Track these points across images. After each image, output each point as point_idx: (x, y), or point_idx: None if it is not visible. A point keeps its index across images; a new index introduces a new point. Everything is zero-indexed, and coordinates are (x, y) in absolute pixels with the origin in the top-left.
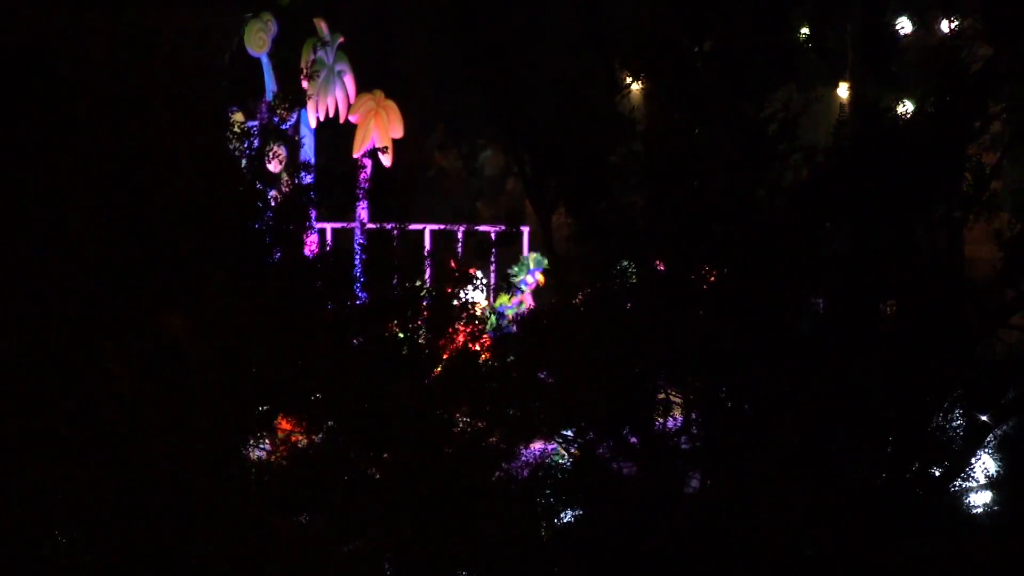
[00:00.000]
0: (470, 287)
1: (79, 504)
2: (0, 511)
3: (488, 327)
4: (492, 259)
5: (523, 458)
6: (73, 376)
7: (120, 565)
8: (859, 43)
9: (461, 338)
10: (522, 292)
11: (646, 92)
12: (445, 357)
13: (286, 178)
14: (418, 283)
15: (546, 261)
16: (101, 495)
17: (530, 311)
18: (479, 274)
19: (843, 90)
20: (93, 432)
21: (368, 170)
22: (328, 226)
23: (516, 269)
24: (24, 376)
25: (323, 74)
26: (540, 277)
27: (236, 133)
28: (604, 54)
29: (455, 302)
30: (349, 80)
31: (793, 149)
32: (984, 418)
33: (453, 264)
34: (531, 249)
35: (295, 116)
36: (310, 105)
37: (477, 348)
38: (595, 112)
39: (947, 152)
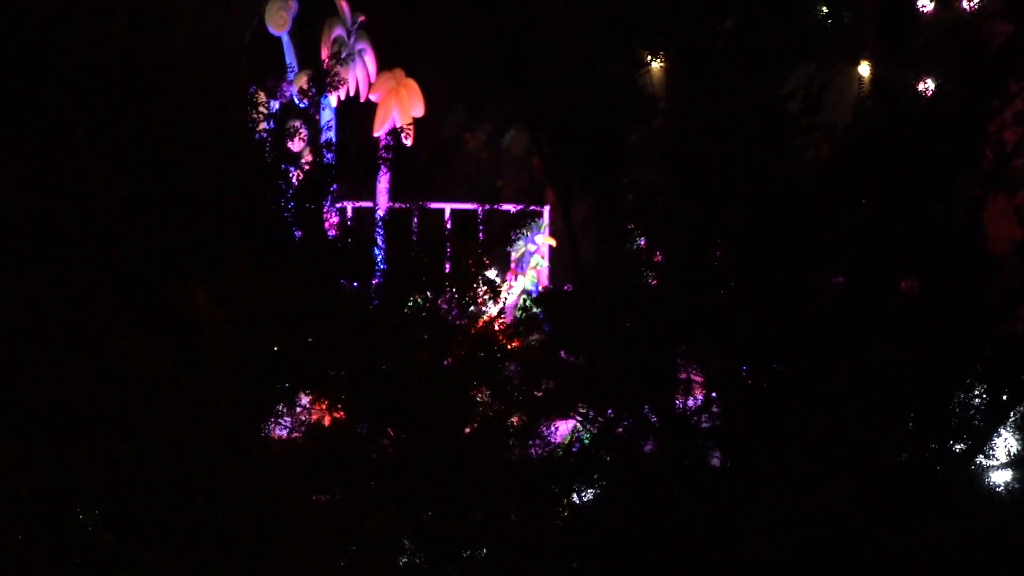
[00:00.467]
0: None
1: (98, 482)
2: (22, 490)
3: (521, 306)
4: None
5: (545, 435)
6: (91, 354)
7: (139, 542)
8: (879, 20)
9: (483, 317)
10: (535, 265)
11: (666, 70)
12: (466, 337)
13: (307, 156)
14: (438, 261)
15: (544, 224)
16: (119, 474)
17: (549, 290)
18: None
19: (865, 68)
20: (111, 410)
21: (389, 144)
22: (349, 205)
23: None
24: (43, 353)
25: (344, 53)
26: (549, 240)
27: (258, 112)
28: (624, 32)
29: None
30: (370, 59)
31: (814, 127)
32: (1005, 396)
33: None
34: (551, 228)
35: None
36: None
37: (498, 328)
38: (614, 90)
39: (967, 130)
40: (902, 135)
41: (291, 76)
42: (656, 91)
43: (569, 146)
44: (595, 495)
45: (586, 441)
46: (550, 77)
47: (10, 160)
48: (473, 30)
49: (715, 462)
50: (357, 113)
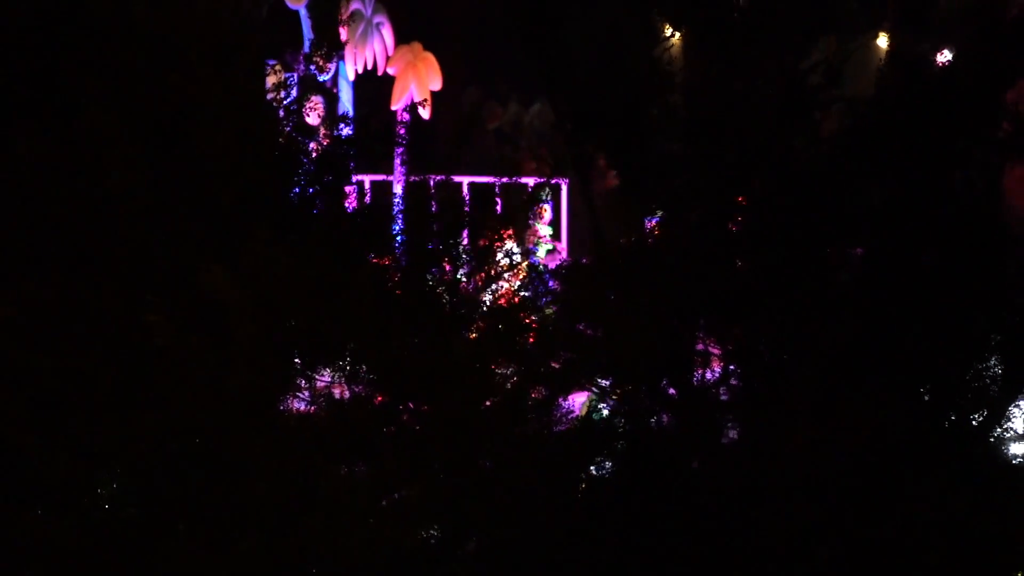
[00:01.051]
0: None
1: (120, 458)
2: (40, 466)
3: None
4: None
5: (563, 408)
6: (113, 330)
7: (162, 517)
8: None
9: (503, 289)
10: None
11: (685, 44)
12: (485, 309)
13: (325, 130)
14: (457, 233)
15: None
16: (142, 449)
17: (568, 264)
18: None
19: (884, 41)
20: (133, 385)
21: (407, 121)
22: (367, 179)
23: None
24: (64, 329)
25: (361, 26)
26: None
27: (275, 85)
28: (643, 5)
29: (496, 255)
30: (387, 32)
31: (834, 99)
32: None
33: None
34: (570, 202)
35: (333, 68)
36: (348, 57)
37: (517, 301)
38: (635, 64)
39: (984, 100)
40: (920, 106)
41: (307, 49)
42: (676, 64)
43: (590, 119)
44: (613, 468)
45: (601, 414)
46: (572, 50)
47: (28, 135)
48: (494, 3)
49: (733, 435)
50: (375, 87)
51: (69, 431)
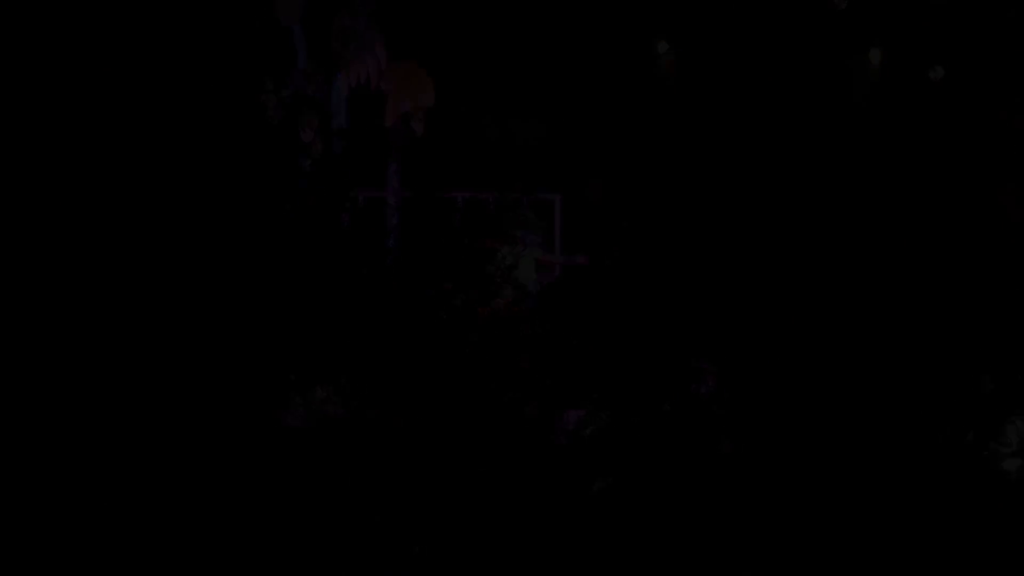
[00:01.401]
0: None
1: (110, 469)
2: (33, 470)
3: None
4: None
5: (558, 423)
6: (109, 345)
7: (152, 537)
8: (888, 5)
9: (498, 305)
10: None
11: (678, 57)
12: (480, 325)
13: (319, 146)
14: (453, 250)
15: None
16: (133, 459)
17: (561, 280)
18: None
19: (877, 55)
20: (125, 396)
21: (400, 136)
22: (360, 194)
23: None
24: (57, 347)
25: (355, 43)
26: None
27: (269, 102)
28: (633, 16)
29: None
30: (380, 48)
31: (827, 112)
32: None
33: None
34: (563, 218)
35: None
36: (341, 73)
37: (515, 311)
38: (625, 76)
39: (980, 115)
40: (913, 121)
41: (302, 66)
42: (668, 79)
43: (583, 133)
44: (609, 484)
45: (591, 429)
46: (564, 61)
47: (21, 153)
48: (490, 19)
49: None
50: (368, 103)
51: (61, 437)
